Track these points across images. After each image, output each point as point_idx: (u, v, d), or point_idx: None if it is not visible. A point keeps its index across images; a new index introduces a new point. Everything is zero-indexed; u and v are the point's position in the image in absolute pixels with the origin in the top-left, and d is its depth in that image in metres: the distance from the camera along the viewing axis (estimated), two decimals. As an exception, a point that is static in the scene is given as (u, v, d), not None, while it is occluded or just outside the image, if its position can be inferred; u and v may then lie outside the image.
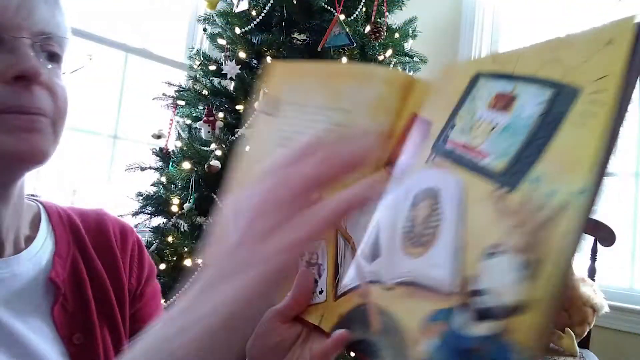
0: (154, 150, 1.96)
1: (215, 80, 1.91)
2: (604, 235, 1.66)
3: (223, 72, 1.75)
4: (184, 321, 0.29)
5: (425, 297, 0.35)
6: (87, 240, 0.58)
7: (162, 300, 1.64)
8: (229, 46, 1.83)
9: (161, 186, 1.88)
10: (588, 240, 1.71)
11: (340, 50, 1.77)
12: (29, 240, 0.53)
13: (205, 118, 1.73)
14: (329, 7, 1.76)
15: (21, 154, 0.44)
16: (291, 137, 0.50)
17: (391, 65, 1.88)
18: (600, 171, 0.28)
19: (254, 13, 1.80)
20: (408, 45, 1.98)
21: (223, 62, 1.78)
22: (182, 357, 0.28)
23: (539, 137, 0.31)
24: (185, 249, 1.65)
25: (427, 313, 0.34)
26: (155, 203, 1.83)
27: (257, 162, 0.55)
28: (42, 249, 0.53)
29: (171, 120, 1.96)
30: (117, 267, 0.59)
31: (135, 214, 1.85)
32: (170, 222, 1.77)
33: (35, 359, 0.47)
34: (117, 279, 0.58)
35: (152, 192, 1.86)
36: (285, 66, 0.55)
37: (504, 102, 0.34)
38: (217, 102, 1.83)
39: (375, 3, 1.83)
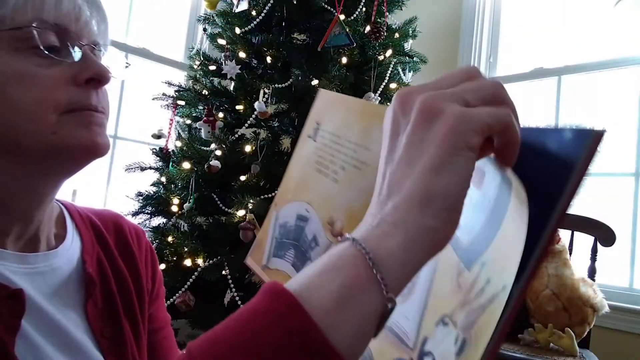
0: (154, 150, 1.96)
1: (215, 80, 1.91)
2: (604, 235, 1.66)
3: (223, 72, 1.75)
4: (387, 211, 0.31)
5: (394, 343, 0.38)
6: (109, 240, 0.60)
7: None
8: (229, 46, 1.83)
9: (161, 186, 1.88)
10: (588, 240, 1.71)
11: (340, 50, 1.77)
12: (58, 237, 0.55)
13: (205, 118, 1.73)
14: (329, 7, 1.76)
15: (98, 146, 0.48)
16: (325, 164, 0.53)
17: (391, 65, 1.88)
18: (523, 274, 0.30)
19: (254, 13, 1.80)
20: (408, 45, 1.98)
21: (223, 62, 1.78)
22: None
23: (493, 224, 0.33)
24: (185, 249, 1.65)
25: (392, 358, 0.38)
26: (155, 203, 1.83)
27: (296, 180, 0.58)
28: (72, 246, 0.55)
29: (171, 120, 1.96)
30: (137, 267, 0.61)
31: (135, 214, 1.85)
32: (170, 222, 1.77)
33: (78, 350, 0.49)
34: (137, 278, 0.60)
35: (152, 192, 1.86)
36: (331, 96, 0.59)
37: (477, 177, 0.36)
38: (217, 102, 1.83)
39: (375, 3, 1.83)
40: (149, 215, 1.87)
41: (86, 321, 0.52)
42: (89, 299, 0.53)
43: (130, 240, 0.62)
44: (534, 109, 2.40)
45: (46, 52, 0.45)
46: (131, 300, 0.58)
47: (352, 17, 1.79)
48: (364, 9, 1.86)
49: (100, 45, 0.52)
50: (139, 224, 1.86)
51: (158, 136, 1.94)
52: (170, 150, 1.91)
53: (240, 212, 1.59)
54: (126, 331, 0.56)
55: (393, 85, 1.88)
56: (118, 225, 0.63)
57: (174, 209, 1.76)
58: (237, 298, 1.58)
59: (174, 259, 1.67)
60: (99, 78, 0.49)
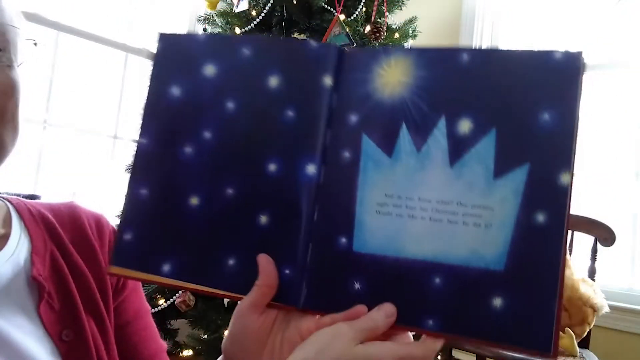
0: (154, 150, 1.95)
1: (215, 80, 1.90)
2: (604, 235, 1.65)
3: (223, 72, 1.75)
4: None
5: None
6: (63, 235, 0.56)
7: (162, 300, 1.63)
8: (229, 46, 1.83)
9: (161, 186, 1.87)
10: (588, 240, 1.71)
11: (340, 50, 1.77)
12: (2, 239, 0.52)
13: (205, 118, 1.72)
14: (329, 7, 1.75)
15: None
16: None
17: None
18: None
19: (254, 13, 1.80)
20: (408, 45, 1.98)
21: (223, 62, 1.77)
22: None
23: None
24: (185, 249, 1.64)
25: None
26: (155, 203, 1.83)
27: None
28: (18, 247, 0.52)
29: (171, 120, 1.95)
30: (97, 260, 0.57)
31: (135, 214, 1.84)
32: (170, 222, 1.77)
33: (24, 358, 0.46)
34: (98, 272, 0.57)
35: (152, 192, 1.86)
36: None
37: None
38: (217, 102, 1.82)
39: (375, 3, 1.83)
40: (149, 215, 1.86)
41: (41, 325, 0.49)
42: (41, 302, 0.50)
43: (89, 232, 0.58)
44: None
45: None
46: (93, 297, 0.55)
47: (352, 17, 1.79)
48: (364, 9, 1.85)
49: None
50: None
51: (158, 136, 1.93)
52: (170, 150, 1.91)
53: (240, 212, 1.59)
54: (90, 331, 0.52)
55: (393, 85, 1.88)
56: (75, 217, 0.59)
57: (174, 209, 1.75)
58: (237, 298, 1.58)
59: (174, 259, 1.67)
60: None
